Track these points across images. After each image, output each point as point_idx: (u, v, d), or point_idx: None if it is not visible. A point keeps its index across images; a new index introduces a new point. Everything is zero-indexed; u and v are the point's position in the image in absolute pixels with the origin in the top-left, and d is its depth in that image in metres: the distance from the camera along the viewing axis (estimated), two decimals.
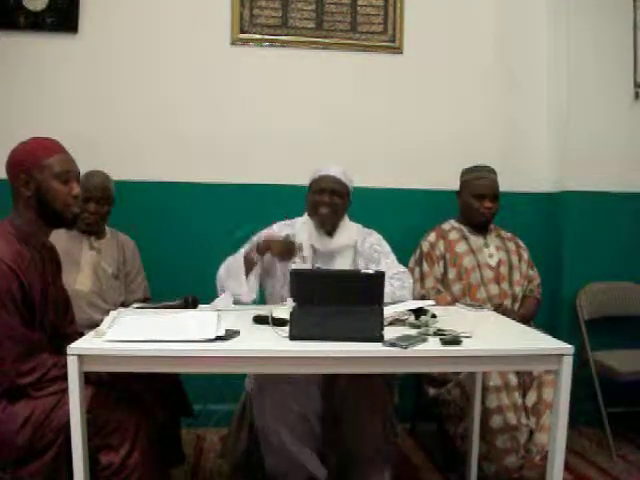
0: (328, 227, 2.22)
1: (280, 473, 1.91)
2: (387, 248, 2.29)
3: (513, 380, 2.20)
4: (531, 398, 2.19)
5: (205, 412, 2.50)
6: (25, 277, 1.61)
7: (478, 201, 2.53)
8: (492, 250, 2.56)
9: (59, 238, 1.94)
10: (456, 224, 2.62)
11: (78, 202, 1.75)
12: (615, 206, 2.92)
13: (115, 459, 1.56)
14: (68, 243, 2.23)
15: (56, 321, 1.78)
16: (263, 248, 2.08)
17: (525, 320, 2.33)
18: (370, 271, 1.75)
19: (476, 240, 2.57)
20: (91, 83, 2.79)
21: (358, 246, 2.25)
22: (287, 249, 2.10)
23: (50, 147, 1.71)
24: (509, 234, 2.66)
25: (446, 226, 2.62)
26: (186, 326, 1.56)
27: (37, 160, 1.66)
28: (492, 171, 2.59)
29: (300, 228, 2.25)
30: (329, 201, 2.19)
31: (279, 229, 2.26)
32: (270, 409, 1.85)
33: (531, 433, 2.14)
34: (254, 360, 1.52)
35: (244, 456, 2.06)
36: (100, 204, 2.31)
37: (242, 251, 2.15)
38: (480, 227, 2.58)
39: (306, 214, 2.28)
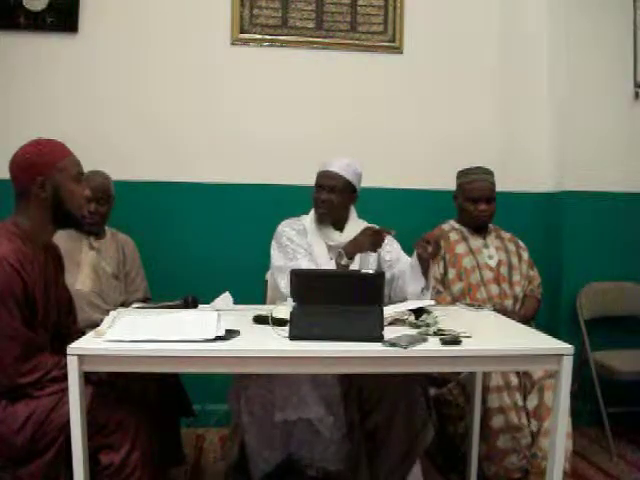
0: (326, 223, 2.23)
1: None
2: (398, 246, 2.30)
3: (514, 381, 2.19)
4: (532, 401, 2.19)
5: (205, 412, 2.51)
6: (28, 276, 1.61)
7: (472, 204, 2.52)
8: (492, 251, 2.56)
9: (59, 238, 1.93)
10: (456, 225, 2.62)
11: (86, 203, 1.78)
12: (615, 206, 2.92)
13: (115, 459, 1.56)
14: (68, 243, 2.22)
15: (59, 321, 1.78)
16: (354, 249, 2.12)
17: (525, 320, 2.32)
18: (370, 271, 1.76)
19: (476, 241, 2.57)
20: (91, 83, 2.79)
21: None
22: (376, 239, 2.10)
23: (62, 149, 1.72)
24: (509, 234, 2.66)
25: (446, 227, 2.62)
26: (186, 326, 1.56)
27: (54, 162, 1.67)
28: (487, 172, 2.57)
29: (310, 225, 2.27)
30: (325, 198, 2.20)
31: (289, 226, 2.26)
32: (244, 413, 1.97)
33: (532, 437, 2.14)
34: (254, 360, 1.52)
35: (239, 457, 2.08)
36: (101, 204, 2.31)
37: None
38: (479, 228, 2.58)
39: (312, 211, 2.30)
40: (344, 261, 2.10)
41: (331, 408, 1.98)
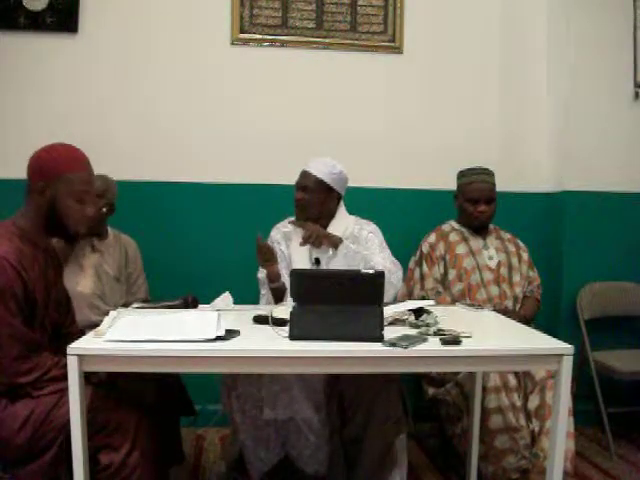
0: (301, 221, 2.28)
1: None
2: (381, 237, 2.32)
3: (512, 381, 2.19)
4: (534, 402, 2.18)
5: (205, 412, 2.50)
6: (28, 276, 1.61)
7: (472, 205, 2.53)
8: (492, 252, 2.55)
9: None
10: (456, 225, 2.62)
11: (90, 221, 1.77)
12: (615, 206, 2.92)
13: (115, 459, 1.56)
14: (70, 245, 2.22)
15: (58, 320, 1.79)
16: (270, 275, 2.23)
17: (525, 321, 2.32)
18: (370, 271, 1.76)
19: (476, 242, 2.57)
20: (91, 83, 2.79)
21: (355, 233, 2.29)
22: (265, 257, 2.21)
23: (75, 161, 1.69)
24: (509, 235, 2.66)
25: (446, 227, 2.62)
26: (186, 326, 1.56)
27: (58, 172, 1.65)
28: (487, 173, 2.57)
29: (294, 226, 2.31)
30: (299, 196, 2.27)
31: (276, 232, 2.36)
32: (236, 412, 1.99)
33: (533, 437, 2.14)
34: (254, 360, 1.52)
35: (239, 456, 2.09)
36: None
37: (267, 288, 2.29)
38: (479, 229, 2.58)
39: None
40: (277, 284, 2.23)
41: (318, 410, 1.99)
